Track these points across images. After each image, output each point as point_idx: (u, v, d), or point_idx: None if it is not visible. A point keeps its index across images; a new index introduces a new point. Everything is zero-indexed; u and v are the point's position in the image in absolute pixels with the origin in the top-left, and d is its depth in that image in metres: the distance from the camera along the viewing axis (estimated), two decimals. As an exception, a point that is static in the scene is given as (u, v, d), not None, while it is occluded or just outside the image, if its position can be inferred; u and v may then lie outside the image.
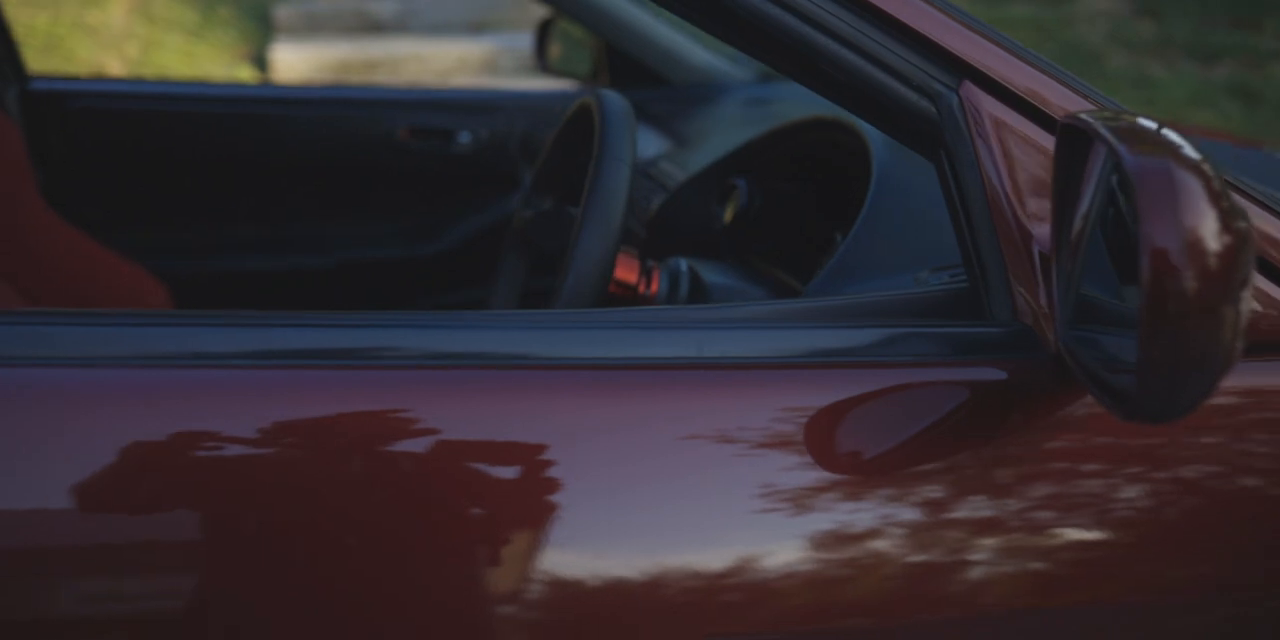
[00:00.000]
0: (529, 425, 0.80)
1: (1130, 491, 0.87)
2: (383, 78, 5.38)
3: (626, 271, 1.18)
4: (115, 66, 5.28)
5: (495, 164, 2.25)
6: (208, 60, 5.43)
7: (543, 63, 2.47)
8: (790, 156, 1.42)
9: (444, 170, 2.25)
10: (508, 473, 0.80)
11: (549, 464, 0.80)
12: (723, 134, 1.90)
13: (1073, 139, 0.81)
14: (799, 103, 2.16)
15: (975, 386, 0.86)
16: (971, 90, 0.87)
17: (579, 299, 1.05)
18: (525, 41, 5.60)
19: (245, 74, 5.32)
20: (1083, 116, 0.79)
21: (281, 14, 5.68)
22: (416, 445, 0.78)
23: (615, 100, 1.16)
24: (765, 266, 1.34)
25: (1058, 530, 0.86)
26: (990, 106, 0.87)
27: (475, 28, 5.76)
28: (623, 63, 2.27)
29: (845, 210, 1.34)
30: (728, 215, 1.45)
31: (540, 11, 5.88)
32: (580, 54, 2.54)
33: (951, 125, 0.87)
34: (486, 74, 5.44)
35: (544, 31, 2.47)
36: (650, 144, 1.97)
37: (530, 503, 0.80)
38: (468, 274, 2.30)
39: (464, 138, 2.23)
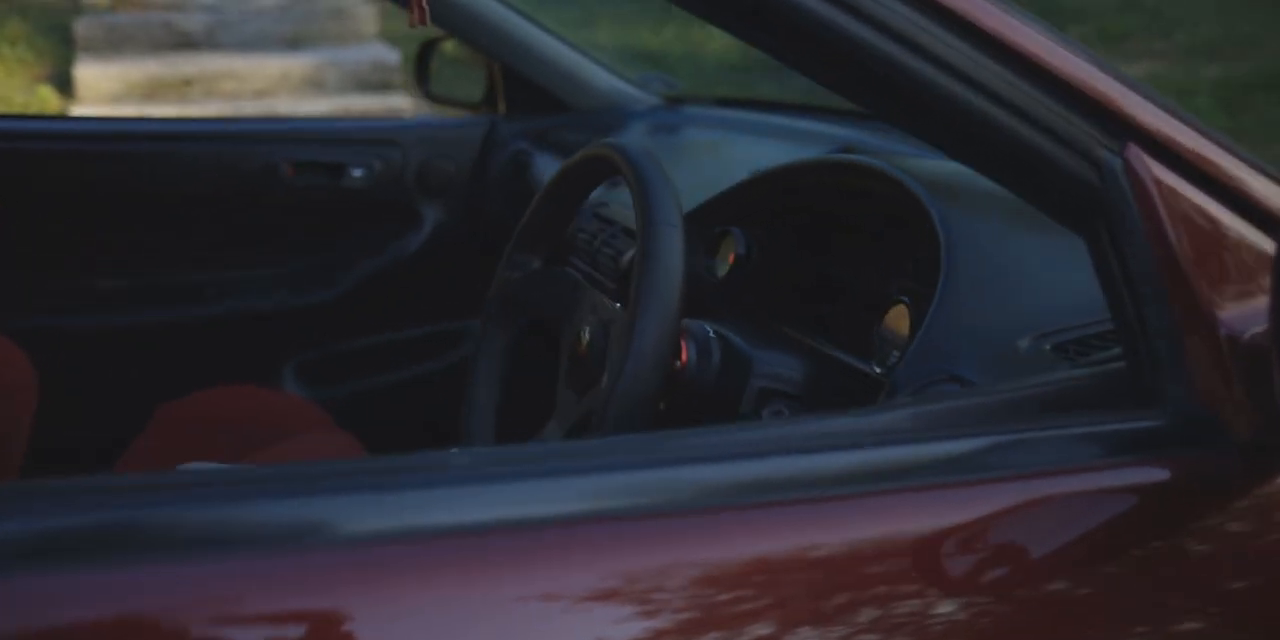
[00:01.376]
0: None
1: None
2: (198, 97, 5.05)
3: None
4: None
5: (391, 199, 2.07)
6: (0, 83, 4.98)
7: (425, 88, 2.29)
8: (783, 202, 1.30)
9: (335, 207, 2.06)
10: None
11: None
12: (685, 170, 1.77)
13: None
14: (710, 129, 2.06)
15: (1147, 488, 0.76)
16: (1137, 154, 0.77)
17: (642, 389, 0.91)
18: (352, 56, 5.36)
19: (47, 96, 4.89)
20: None
21: (81, 28, 5.26)
22: None
23: (644, 153, 1.02)
24: (777, 324, 1.22)
25: None
26: (1159, 172, 0.77)
27: (291, 42, 5.47)
28: (521, 87, 2.12)
29: (856, 258, 1.23)
30: (721, 267, 1.32)
31: (367, 26, 5.65)
32: (458, 74, 2.38)
33: (1115, 192, 0.77)
34: (312, 92, 5.16)
35: (426, 53, 2.29)
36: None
37: None
38: (366, 321, 2.12)
39: (357, 172, 2.03)
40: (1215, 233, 0.79)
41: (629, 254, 1.38)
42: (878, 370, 1.05)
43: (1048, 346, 0.94)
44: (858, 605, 0.69)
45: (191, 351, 2.02)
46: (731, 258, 1.32)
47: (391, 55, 5.37)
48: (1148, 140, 0.78)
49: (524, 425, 1.27)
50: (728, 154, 1.90)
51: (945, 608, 0.72)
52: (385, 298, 2.09)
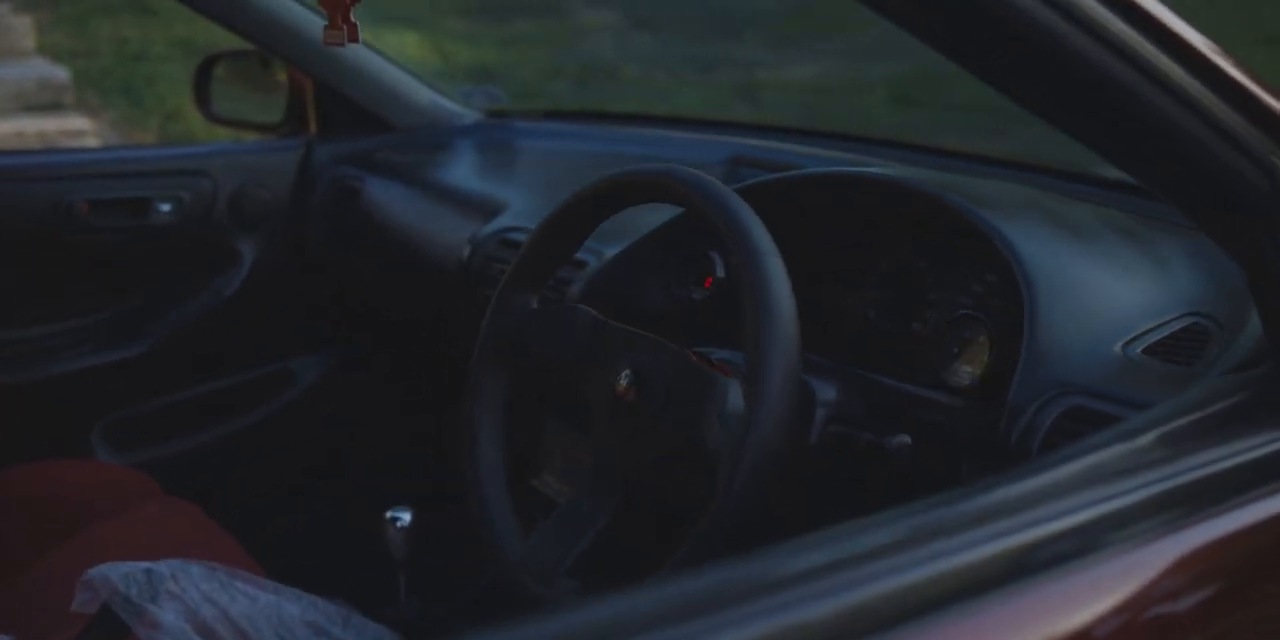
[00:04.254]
0: None
1: None
2: None
3: None
4: None
5: (204, 236, 1.85)
6: None
7: (207, 109, 2.07)
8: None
9: (140, 249, 1.82)
10: None
11: None
12: (529, 187, 1.68)
13: None
14: (539, 142, 1.97)
15: None
16: None
17: (779, 431, 0.83)
18: (13, 74, 4.81)
19: None
20: None
21: None
22: None
23: (708, 179, 0.94)
24: None
25: None
26: None
27: (-67, 58, 4.85)
28: (336, 105, 1.95)
29: (842, 275, 1.20)
30: (696, 291, 1.25)
31: (23, 40, 5.09)
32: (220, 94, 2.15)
33: None
34: (-28, 114, 4.60)
35: (205, 72, 2.06)
36: (448, 202, 1.71)
37: None
38: (183, 373, 1.89)
39: (164, 207, 1.80)
40: None
41: (694, 289, 1.28)
42: (964, 384, 1.03)
43: (1139, 350, 0.95)
44: None
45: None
46: (709, 281, 1.26)
47: (59, 72, 4.88)
48: None
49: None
50: (562, 166, 1.84)
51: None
52: (204, 345, 1.88)
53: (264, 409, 1.95)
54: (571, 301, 1.26)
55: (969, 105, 5.93)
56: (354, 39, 1.14)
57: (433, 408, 2.05)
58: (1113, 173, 1.62)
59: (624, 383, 0.98)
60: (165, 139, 4.76)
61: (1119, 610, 0.68)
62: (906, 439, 0.96)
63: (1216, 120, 0.75)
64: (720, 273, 1.24)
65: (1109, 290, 0.99)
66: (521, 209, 1.58)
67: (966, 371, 1.04)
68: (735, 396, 0.90)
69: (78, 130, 4.68)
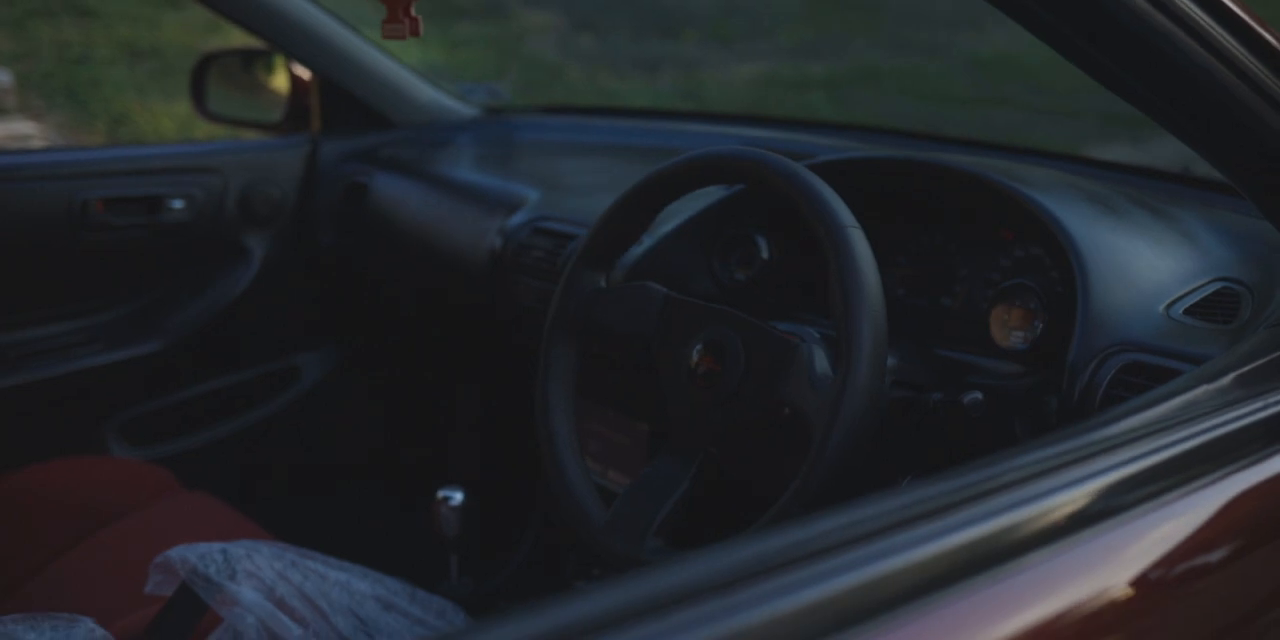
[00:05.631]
0: None
1: None
2: None
3: None
4: None
5: (215, 233, 1.87)
6: None
7: (203, 108, 2.08)
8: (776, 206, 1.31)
9: (154, 246, 1.83)
10: None
11: None
12: (545, 179, 1.72)
13: None
14: (539, 135, 2.02)
15: None
16: None
17: (869, 397, 0.90)
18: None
19: None
20: None
21: None
22: None
23: (786, 159, 1.00)
24: (813, 319, 1.23)
25: None
26: None
27: None
28: (340, 103, 1.98)
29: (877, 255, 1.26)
30: (739, 272, 1.31)
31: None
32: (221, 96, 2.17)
33: None
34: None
35: (202, 70, 2.08)
36: (481, 193, 1.74)
37: None
38: (194, 370, 1.90)
39: (176, 204, 1.82)
40: None
41: (737, 270, 1.33)
42: (1018, 349, 1.10)
43: (1180, 311, 1.02)
44: None
45: (-1, 422, 1.74)
46: (750, 261, 1.31)
47: (0, 76, 4.81)
48: None
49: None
50: (572, 158, 1.89)
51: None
52: (216, 340, 1.89)
53: (275, 402, 1.97)
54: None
55: (906, 100, 6.07)
56: (415, 33, 1.16)
57: (442, 397, 2.09)
58: (1107, 157, 1.71)
59: (694, 355, 1.03)
60: (114, 142, 4.71)
61: (1186, 551, 0.74)
62: (979, 395, 1.03)
63: (1255, 79, 0.82)
64: (765, 254, 1.30)
65: (1145, 259, 1.07)
66: (544, 199, 1.62)
67: (1019, 336, 1.11)
68: (822, 361, 0.96)
69: (23, 134, 4.63)
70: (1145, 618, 0.71)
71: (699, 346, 1.04)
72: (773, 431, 1.02)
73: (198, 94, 2.09)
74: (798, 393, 0.96)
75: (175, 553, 1.19)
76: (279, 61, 2.04)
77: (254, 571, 1.19)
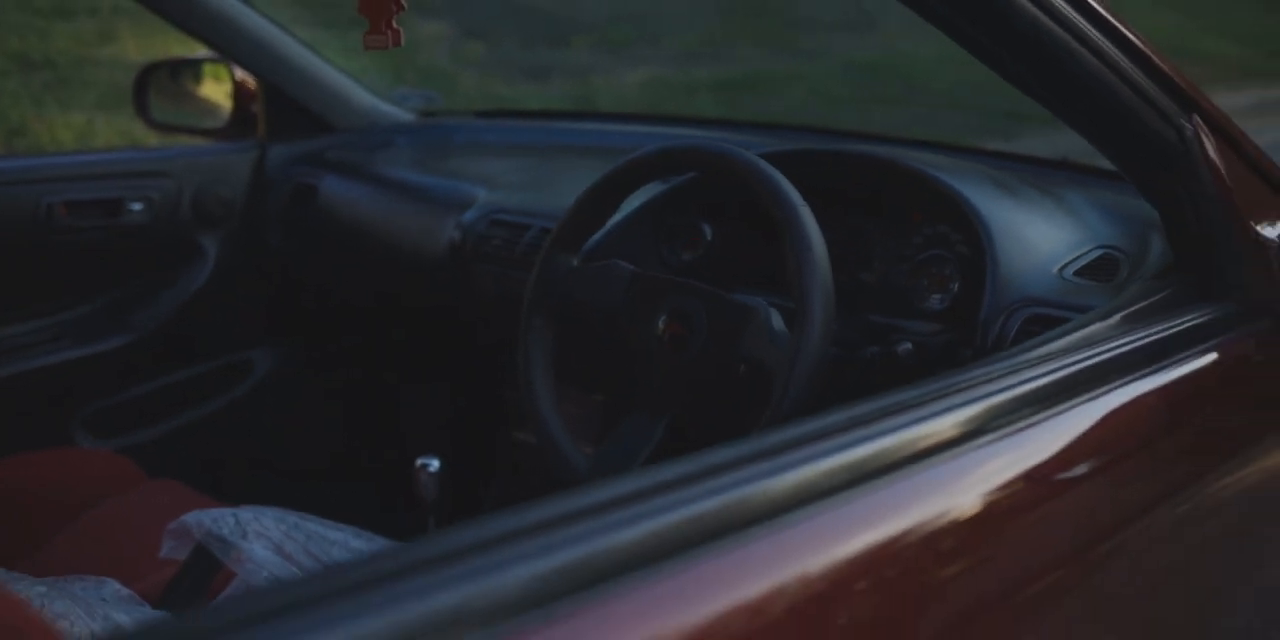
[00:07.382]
0: None
1: None
2: None
3: None
4: None
5: (171, 233, 1.97)
6: None
7: (148, 116, 2.17)
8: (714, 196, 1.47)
9: (115, 247, 1.92)
10: None
11: None
12: (491, 176, 1.87)
13: None
14: (473, 138, 2.16)
15: (1240, 351, 1.05)
16: (1197, 123, 1.05)
17: (820, 350, 1.06)
18: None
19: None
20: None
21: None
22: None
23: (742, 151, 1.17)
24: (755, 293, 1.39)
25: None
26: (1207, 138, 1.06)
27: None
28: (283, 109, 2.09)
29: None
30: (685, 253, 1.48)
31: None
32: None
33: (1191, 148, 1.05)
34: None
35: (144, 81, 2.17)
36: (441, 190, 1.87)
37: None
38: (155, 363, 2.00)
39: (136, 206, 1.92)
40: (1248, 177, 1.10)
41: (683, 252, 1.49)
42: (936, 310, 1.28)
43: (1071, 273, 1.22)
44: None
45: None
46: (695, 245, 1.48)
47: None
48: (1204, 113, 1.07)
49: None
50: (512, 156, 2.03)
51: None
52: (175, 337, 1.99)
53: (228, 394, 2.08)
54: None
55: (793, 102, 6.33)
56: (397, 43, 1.29)
57: (393, 387, 2.21)
58: (996, 148, 1.92)
59: (661, 325, 1.19)
60: (11, 154, 4.69)
61: (1080, 451, 0.91)
62: (909, 345, 1.20)
63: (1142, 88, 1.01)
64: (709, 237, 1.47)
65: (1040, 230, 1.27)
66: (493, 196, 1.77)
67: (937, 298, 1.30)
68: (777, 320, 1.13)
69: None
70: (1030, 515, 0.86)
71: (664, 315, 1.20)
72: (733, 391, 1.18)
73: (141, 104, 2.17)
74: (759, 348, 1.12)
75: (191, 517, 1.31)
76: (219, 69, 2.15)
77: (263, 532, 1.31)
